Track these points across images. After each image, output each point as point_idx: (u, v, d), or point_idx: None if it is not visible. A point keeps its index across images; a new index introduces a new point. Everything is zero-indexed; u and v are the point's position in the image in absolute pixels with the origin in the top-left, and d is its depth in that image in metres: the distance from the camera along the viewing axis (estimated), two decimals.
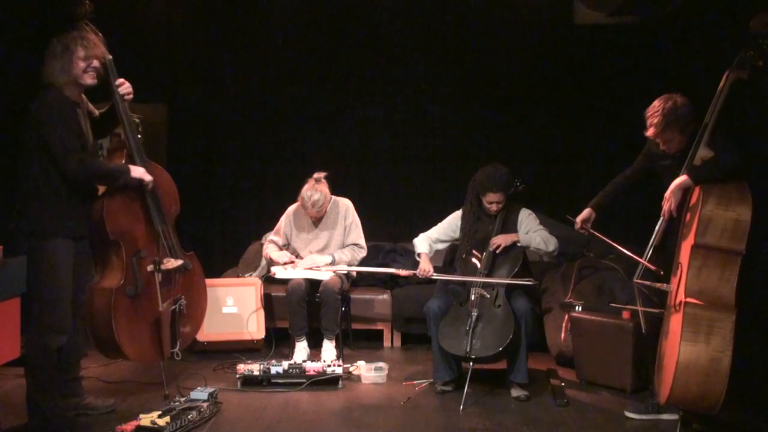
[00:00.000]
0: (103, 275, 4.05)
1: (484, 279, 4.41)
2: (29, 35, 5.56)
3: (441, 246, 4.80)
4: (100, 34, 3.98)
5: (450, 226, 4.75)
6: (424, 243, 4.75)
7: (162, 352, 4.15)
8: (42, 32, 5.47)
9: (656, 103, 3.74)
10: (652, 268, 3.80)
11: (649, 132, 3.76)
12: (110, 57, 3.95)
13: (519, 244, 4.50)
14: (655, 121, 3.71)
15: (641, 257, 3.85)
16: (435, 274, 4.62)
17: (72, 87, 3.76)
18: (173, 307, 4.20)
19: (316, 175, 5.15)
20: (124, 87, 3.99)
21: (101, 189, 4.02)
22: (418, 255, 4.73)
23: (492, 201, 4.52)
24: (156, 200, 4.10)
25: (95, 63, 3.79)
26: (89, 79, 3.79)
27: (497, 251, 4.48)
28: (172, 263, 4.12)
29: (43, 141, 3.64)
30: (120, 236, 3.97)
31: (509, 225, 4.60)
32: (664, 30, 5.70)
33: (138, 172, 3.95)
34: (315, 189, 5.08)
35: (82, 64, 3.73)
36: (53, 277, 3.68)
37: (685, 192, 3.67)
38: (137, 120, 4.14)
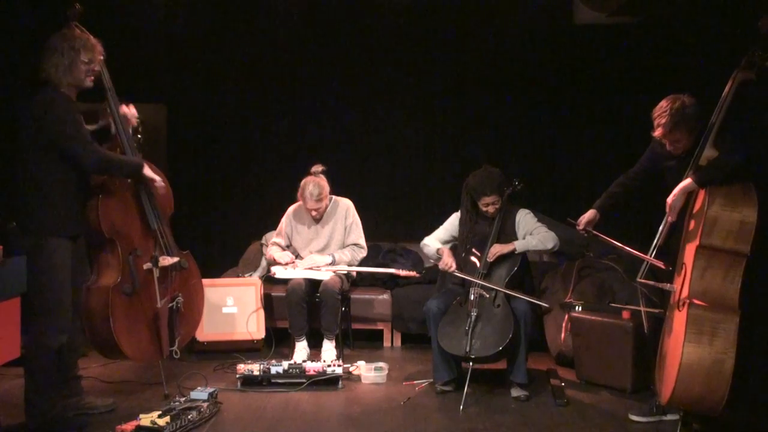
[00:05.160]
0: (99, 274, 4.05)
1: (499, 289, 4.36)
2: (19, 37, 5.58)
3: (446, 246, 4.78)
4: (92, 37, 3.99)
5: (452, 226, 4.75)
6: (437, 242, 4.72)
7: (161, 350, 4.16)
8: (32, 34, 5.49)
9: (663, 103, 3.70)
10: (659, 264, 3.78)
11: (657, 132, 3.72)
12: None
13: (516, 252, 4.46)
14: (663, 121, 3.66)
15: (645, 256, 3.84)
16: (458, 271, 4.52)
17: (71, 87, 3.76)
18: (171, 304, 4.21)
19: (313, 169, 5.18)
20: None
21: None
22: (438, 251, 4.65)
23: (488, 203, 4.53)
24: (152, 199, 4.13)
25: (96, 67, 3.82)
26: (89, 82, 3.82)
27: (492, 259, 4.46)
28: (168, 260, 4.16)
29: (50, 138, 3.62)
30: (115, 234, 3.98)
31: (507, 226, 4.59)
32: (665, 30, 5.70)
33: (150, 172, 4.01)
34: (313, 181, 5.10)
35: (84, 68, 3.75)
36: (53, 276, 3.68)
37: (688, 195, 3.66)
38: (137, 120, 4.15)
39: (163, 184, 4.15)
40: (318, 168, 5.18)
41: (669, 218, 3.73)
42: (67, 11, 3.97)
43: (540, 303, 4.47)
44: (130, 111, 4.08)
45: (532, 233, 4.53)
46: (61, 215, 3.71)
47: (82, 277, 3.97)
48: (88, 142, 3.72)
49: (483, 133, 6.38)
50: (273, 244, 5.40)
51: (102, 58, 3.86)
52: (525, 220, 4.59)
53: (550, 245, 4.49)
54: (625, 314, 4.48)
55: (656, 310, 3.92)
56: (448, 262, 4.56)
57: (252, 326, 5.30)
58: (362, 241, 5.32)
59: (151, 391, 4.38)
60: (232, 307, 5.35)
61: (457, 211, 4.75)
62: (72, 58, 3.70)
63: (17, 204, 3.72)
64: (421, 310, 4.69)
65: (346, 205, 5.34)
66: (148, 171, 4.00)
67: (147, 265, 4.06)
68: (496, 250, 4.46)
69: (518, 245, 4.47)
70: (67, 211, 3.73)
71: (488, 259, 4.45)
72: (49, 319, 3.69)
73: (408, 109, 6.45)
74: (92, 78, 3.82)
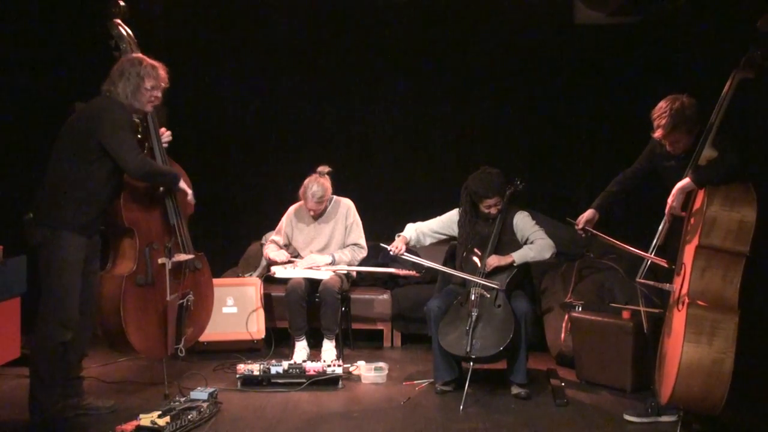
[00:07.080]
0: (115, 263, 4.10)
1: (460, 273, 4.38)
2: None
3: (437, 237, 4.76)
4: (131, 34, 4.10)
5: (449, 220, 4.73)
6: (410, 230, 4.73)
7: (166, 346, 4.16)
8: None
9: (663, 104, 3.68)
10: (662, 262, 3.78)
11: (657, 133, 3.71)
12: None
13: (515, 264, 4.44)
14: (663, 122, 3.65)
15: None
16: (407, 254, 4.59)
17: (131, 108, 3.88)
18: (181, 301, 4.21)
19: (320, 169, 5.18)
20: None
21: None
22: (398, 235, 4.69)
23: (490, 205, 4.52)
24: (174, 196, 4.18)
25: (158, 94, 3.93)
26: (149, 108, 3.96)
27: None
28: (183, 256, 4.18)
29: (101, 140, 3.70)
30: (135, 225, 4.02)
31: (507, 226, 4.58)
32: (665, 30, 5.70)
33: (184, 185, 4.11)
34: (317, 181, 5.10)
35: (147, 94, 3.87)
36: (63, 270, 3.71)
37: (687, 194, 3.65)
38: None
39: (193, 200, 4.23)
40: (324, 168, 5.18)
41: (669, 214, 3.72)
42: (112, 9, 4.08)
43: (492, 284, 4.36)
44: (165, 133, 4.20)
45: (530, 240, 4.51)
46: (77, 212, 3.73)
47: (93, 276, 3.97)
48: (138, 150, 3.83)
49: (483, 133, 6.38)
50: (270, 242, 5.40)
51: (165, 86, 3.96)
52: (523, 223, 4.57)
53: (547, 255, 4.48)
54: (625, 314, 4.49)
55: (656, 310, 3.92)
56: (397, 245, 4.60)
57: (252, 326, 5.30)
58: (362, 241, 5.32)
59: (151, 391, 4.38)
60: (232, 307, 5.35)
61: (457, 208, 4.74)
62: (137, 83, 3.82)
63: (37, 196, 3.77)
64: (421, 310, 4.69)
65: (347, 205, 5.34)
66: (182, 184, 4.09)
67: (162, 260, 4.10)
68: (494, 262, 4.44)
69: (517, 257, 4.44)
70: (83, 209, 3.75)
71: (486, 270, 4.43)
72: (55, 312, 3.71)
73: (408, 109, 6.45)
74: (153, 104, 3.94)
